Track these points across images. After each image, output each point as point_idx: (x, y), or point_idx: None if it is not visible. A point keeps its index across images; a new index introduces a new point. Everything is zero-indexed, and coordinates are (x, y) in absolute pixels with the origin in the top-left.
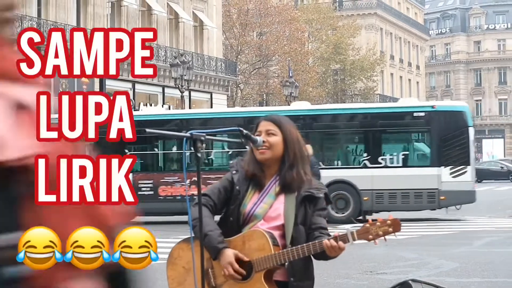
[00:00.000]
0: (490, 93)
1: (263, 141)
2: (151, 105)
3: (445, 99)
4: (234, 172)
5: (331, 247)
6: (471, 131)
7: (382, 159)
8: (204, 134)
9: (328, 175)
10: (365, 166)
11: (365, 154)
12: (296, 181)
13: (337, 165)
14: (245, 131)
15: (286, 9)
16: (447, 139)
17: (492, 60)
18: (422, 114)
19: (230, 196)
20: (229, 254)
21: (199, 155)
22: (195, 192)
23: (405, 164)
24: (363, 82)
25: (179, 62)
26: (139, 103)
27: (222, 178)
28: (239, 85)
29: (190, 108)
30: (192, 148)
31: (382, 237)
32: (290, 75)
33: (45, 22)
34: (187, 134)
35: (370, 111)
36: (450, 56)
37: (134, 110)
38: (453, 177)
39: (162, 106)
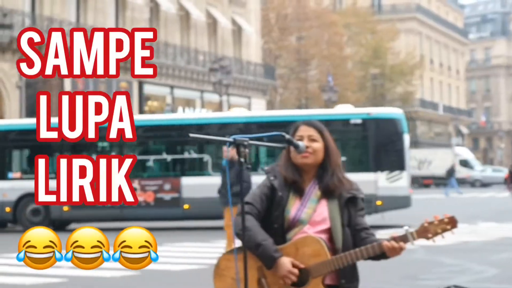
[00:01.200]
0: None
1: (306, 147)
2: (189, 109)
3: (485, 104)
4: (272, 178)
5: (393, 248)
6: (406, 137)
7: None
8: (247, 138)
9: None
10: None
11: None
12: (338, 187)
13: None
14: (287, 136)
15: (324, 13)
16: (383, 145)
17: None
18: (359, 121)
19: (272, 202)
20: (286, 262)
21: (242, 160)
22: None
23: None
24: (403, 86)
25: (217, 67)
26: (177, 108)
27: (260, 185)
28: (278, 90)
29: None
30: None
31: (440, 235)
32: (330, 79)
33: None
34: (230, 139)
35: (307, 118)
36: (490, 60)
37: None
38: (389, 182)
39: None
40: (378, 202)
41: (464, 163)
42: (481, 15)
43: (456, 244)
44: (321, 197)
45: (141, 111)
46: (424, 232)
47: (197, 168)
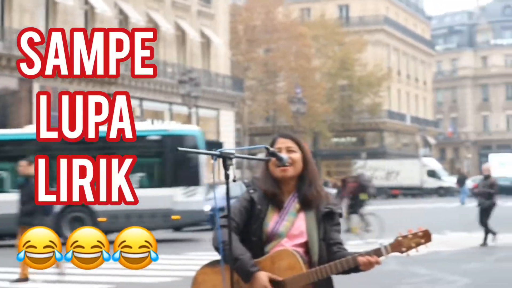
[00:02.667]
0: (497, 108)
1: (288, 158)
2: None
3: (452, 114)
4: (251, 191)
5: (368, 262)
6: None
7: None
8: (233, 152)
9: None
10: None
11: None
12: (317, 198)
13: None
14: (271, 149)
15: (292, 25)
16: (180, 161)
17: (499, 75)
18: (156, 137)
19: (251, 215)
20: (263, 277)
21: (228, 172)
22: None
23: (140, 185)
24: (370, 98)
25: (186, 79)
26: (146, 120)
27: (239, 198)
28: (246, 102)
29: (198, 125)
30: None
31: (415, 249)
32: (298, 91)
33: None
34: (217, 152)
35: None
36: (457, 71)
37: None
38: (185, 197)
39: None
40: (175, 217)
41: (432, 174)
42: (448, 26)
43: (427, 254)
44: (299, 210)
45: None
46: (398, 246)
47: None
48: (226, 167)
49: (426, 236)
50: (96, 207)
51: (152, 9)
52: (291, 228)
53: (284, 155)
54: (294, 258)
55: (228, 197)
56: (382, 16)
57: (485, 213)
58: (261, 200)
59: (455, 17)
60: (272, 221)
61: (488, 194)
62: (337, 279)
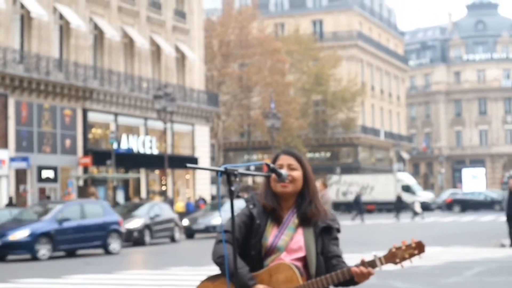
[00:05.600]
0: (471, 123)
1: (287, 175)
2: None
3: (425, 129)
4: (251, 206)
5: (361, 273)
6: None
7: None
8: (237, 168)
9: None
10: None
11: None
12: (316, 215)
13: None
14: (272, 165)
15: (267, 40)
16: None
17: (472, 91)
18: None
19: (250, 230)
20: None
21: (233, 188)
22: None
23: None
24: (344, 113)
25: (162, 94)
26: (121, 135)
27: (239, 213)
28: (221, 117)
29: (173, 140)
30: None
31: (408, 260)
32: (272, 106)
33: (28, 55)
34: (221, 168)
35: None
36: (430, 86)
37: (116, 141)
38: None
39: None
40: None
41: (407, 189)
42: (420, 42)
43: (406, 268)
44: (298, 225)
45: (85, 139)
46: (392, 257)
47: None
48: (230, 183)
49: (419, 248)
50: None
51: (127, 24)
52: (290, 242)
53: (284, 171)
54: (291, 271)
55: (232, 212)
56: (355, 31)
57: None
58: (260, 215)
59: (427, 32)
60: (271, 236)
61: None
62: None
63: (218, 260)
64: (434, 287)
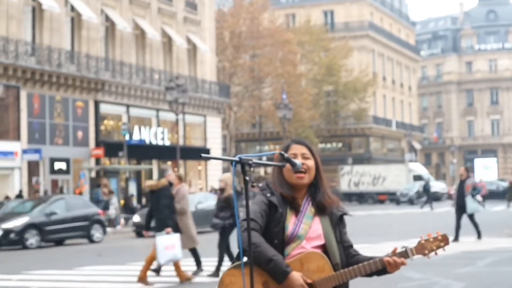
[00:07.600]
0: (482, 113)
1: (302, 164)
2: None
3: (437, 120)
4: (269, 195)
5: (395, 263)
6: None
7: None
8: (252, 158)
9: None
10: None
11: None
12: (330, 205)
13: None
14: (286, 155)
15: (278, 31)
16: None
17: (483, 80)
18: None
19: (271, 219)
20: (298, 277)
21: (247, 178)
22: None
23: None
24: (356, 103)
25: (173, 85)
26: (133, 127)
27: (256, 202)
28: (233, 108)
29: (185, 131)
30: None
31: (434, 252)
32: (284, 97)
33: (40, 47)
34: (236, 158)
35: None
36: (441, 76)
37: (128, 133)
38: None
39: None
40: None
41: (418, 179)
42: (432, 32)
43: (419, 258)
44: (315, 214)
45: (97, 131)
46: (422, 248)
47: None
48: (245, 173)
49: (445, 240)
50: None
51: (138, 16)
52: (309, 230)
53: (298, 161)
54: (323, 260)
55: (247, 202)
56: (366, 22)
57: None
58: (281, 204)
59: (439, 22)
60: (291, 224)
61: None
62: None
63: (247, 248)
64: (447, 277)
